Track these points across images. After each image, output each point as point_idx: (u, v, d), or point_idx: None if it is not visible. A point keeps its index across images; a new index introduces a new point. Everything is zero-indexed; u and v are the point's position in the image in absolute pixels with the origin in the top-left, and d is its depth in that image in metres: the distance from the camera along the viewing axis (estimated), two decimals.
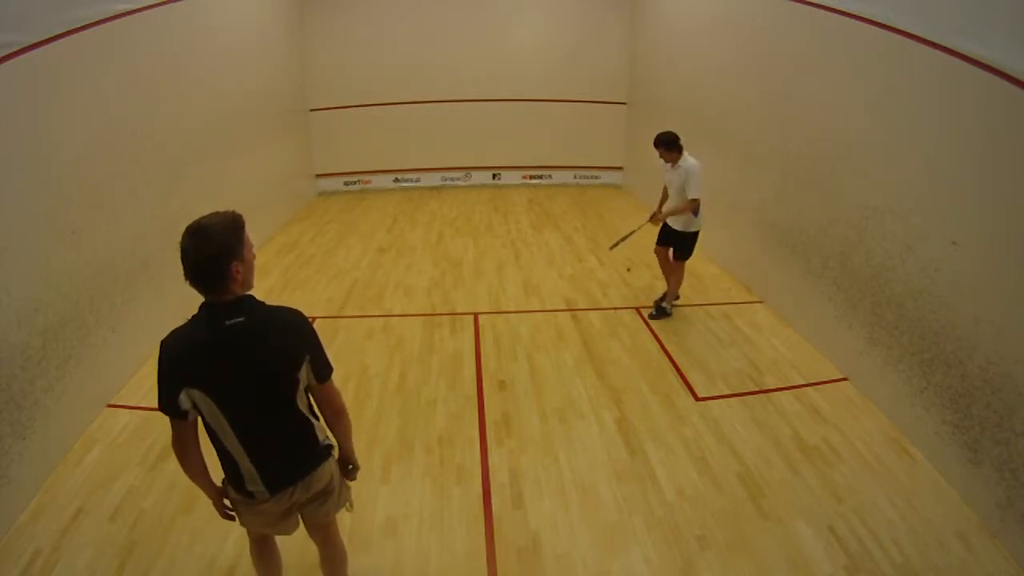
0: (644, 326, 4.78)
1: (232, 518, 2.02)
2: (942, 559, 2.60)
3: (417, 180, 9.60)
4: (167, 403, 1.70)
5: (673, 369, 4.14)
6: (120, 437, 3.42)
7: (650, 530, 2.76)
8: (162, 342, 1.70)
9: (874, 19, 3.65)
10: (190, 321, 1.73)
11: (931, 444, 3.20)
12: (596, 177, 9.79)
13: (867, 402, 3.73)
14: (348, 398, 3.78)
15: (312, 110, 8.98)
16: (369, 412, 3.66)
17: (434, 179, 9.64)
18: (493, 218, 7.94)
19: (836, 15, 4.02)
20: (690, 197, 4.48)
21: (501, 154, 9.59)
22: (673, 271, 4.97)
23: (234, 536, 2.71)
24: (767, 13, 5.03)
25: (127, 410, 3.66)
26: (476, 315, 4.95)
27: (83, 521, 2.80)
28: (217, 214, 1.67)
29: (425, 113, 9.20)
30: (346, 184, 9.50)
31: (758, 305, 5.17)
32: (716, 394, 3.84)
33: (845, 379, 3.97)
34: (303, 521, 2.08)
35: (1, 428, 2.80)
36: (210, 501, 1.98)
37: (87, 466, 3.18)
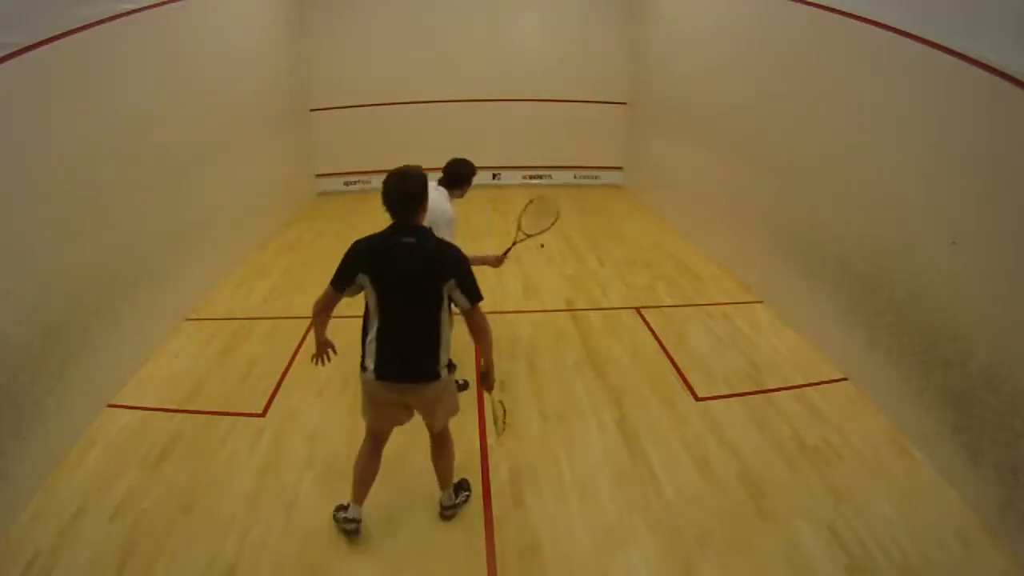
0: (644, 326, 4.78)
1: (322, 362, 2.67)
2: (942, 559, 2.60)
3: None
4: (341, 281, 2.37)
5: (673, 369, 4.14)
6: (120, 437, 3.42)
7: (650, 530, 2.76)
8: (355, 242, 2.39)
9: (874, 19, 3.65)
10: (378, 233, 2.40)
11: (931, 444, 3.20)
12: (596, 177, 9.78)
13: (867, 402, 3.73)
14: (348, 399, 3.79)
15: (312, 110, 8.98)
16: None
17: (434, 179, 9.62)
18: (493, 218, 7.93)
19: (836, 15, 4.02)
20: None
21: (501, 154, 9.58)
22: None
23: (234, 536, 2.72)
24: (767, 13, 5.04)
25: (127, 410, 3.66)
26: None
27: (83, 521, 2.80)
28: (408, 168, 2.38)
29: (425, 113, 9.20)
30: (346, 184, 9.50)
31: (758, 305, 5.17)
32: (716, 394, 3.84)
33: (845, 379, 3.97)
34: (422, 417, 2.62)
35: (1, 428, 2.80)
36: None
37: (87, 466, 3.18)
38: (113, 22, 3.89)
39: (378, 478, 3.09)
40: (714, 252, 6.23)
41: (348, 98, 9.01)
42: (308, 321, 4.93)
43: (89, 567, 2.57)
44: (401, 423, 2.65)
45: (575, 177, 9.76)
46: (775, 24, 4.92)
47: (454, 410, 2.68)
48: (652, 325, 4.78)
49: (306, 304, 5.27)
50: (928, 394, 3.24)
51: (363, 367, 2.47)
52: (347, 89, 8.97)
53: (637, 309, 5.09)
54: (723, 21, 6.00)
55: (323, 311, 2.50)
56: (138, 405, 3.71)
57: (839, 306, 4.09)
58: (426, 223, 3.15)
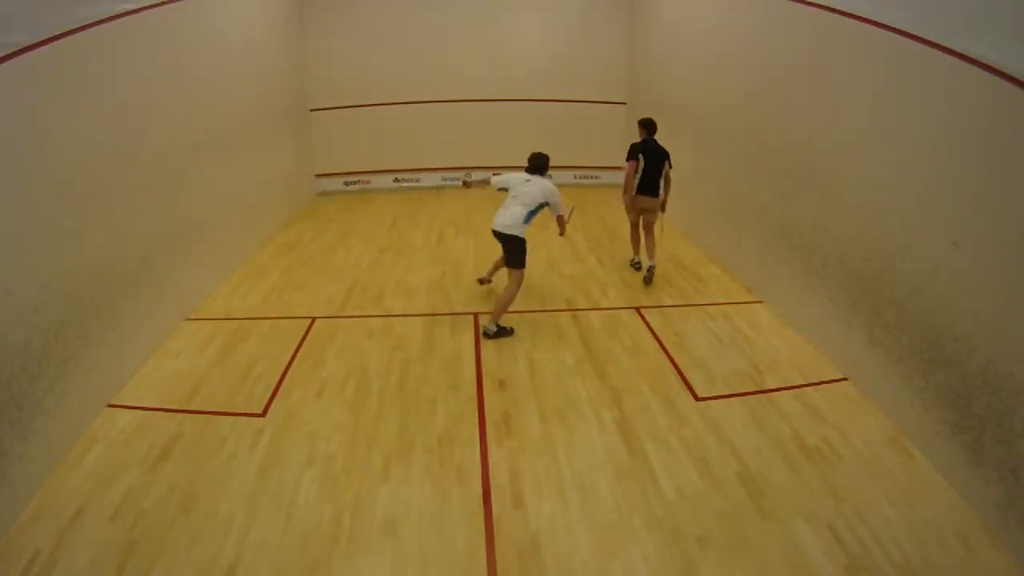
0: (644, 326, 4.78)
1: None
2: (942, 559, 2.60)
3: (417, 180, 9.60)
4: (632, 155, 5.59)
5: (673, 369, 4.14)
6: (120, 437, 3.42)
7: (650, 530, 2.76)
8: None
9: (874, 19, 3.65)
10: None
11: (931, 444, 3.20)
12: (596, 177, 9.78)
13: (867, 402, 3.73)
14: (348, 398, 3.80)
15: (312, 110, 8.98)
16: (369, 412, 3.66)
17: (434, 179, 9.64)
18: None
19: (836, 15, 4.02)
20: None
21: (501, 154, 9.58)
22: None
23: (234, 536, 2.72)
24: (767, 13, 5.04)
25: (127, 410, 3.66)
26: (476, 315, 4.95)
27: (83, 521, 2.81)
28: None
29: (425, 113, 9.20)
30: (346, 184, 9.50)
31: (758, 305, 5.17)
32: (716, 394, 3.84)
33: (845, 379, 3.97)
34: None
35: (1, 428, 2.81)
36: None
37: (87, 466, 3.18)
38: (113, 22, 3.89)
39: (378, 479, 3.11)
40: (714, 252, 6.24)
41: (348, 98, 9.02)
42: (307, 321, 4.99)
43: (89, 567, 2.57)
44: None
45: (575, 177, 9.75)
46: (775, 24, 4.92)
47: None
48: (652, 325, 4.79)
49: (306, 304, 5.31)
50: (928, 394, 3.25)
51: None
52: (347, 89, 8.98)
53: (637, 309, 5.09)
54: (723, 21, 6.00)
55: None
56: (138, 405, 3.72)
57: (839, 306, 4.09)
58: (543, 199, 4.71)
